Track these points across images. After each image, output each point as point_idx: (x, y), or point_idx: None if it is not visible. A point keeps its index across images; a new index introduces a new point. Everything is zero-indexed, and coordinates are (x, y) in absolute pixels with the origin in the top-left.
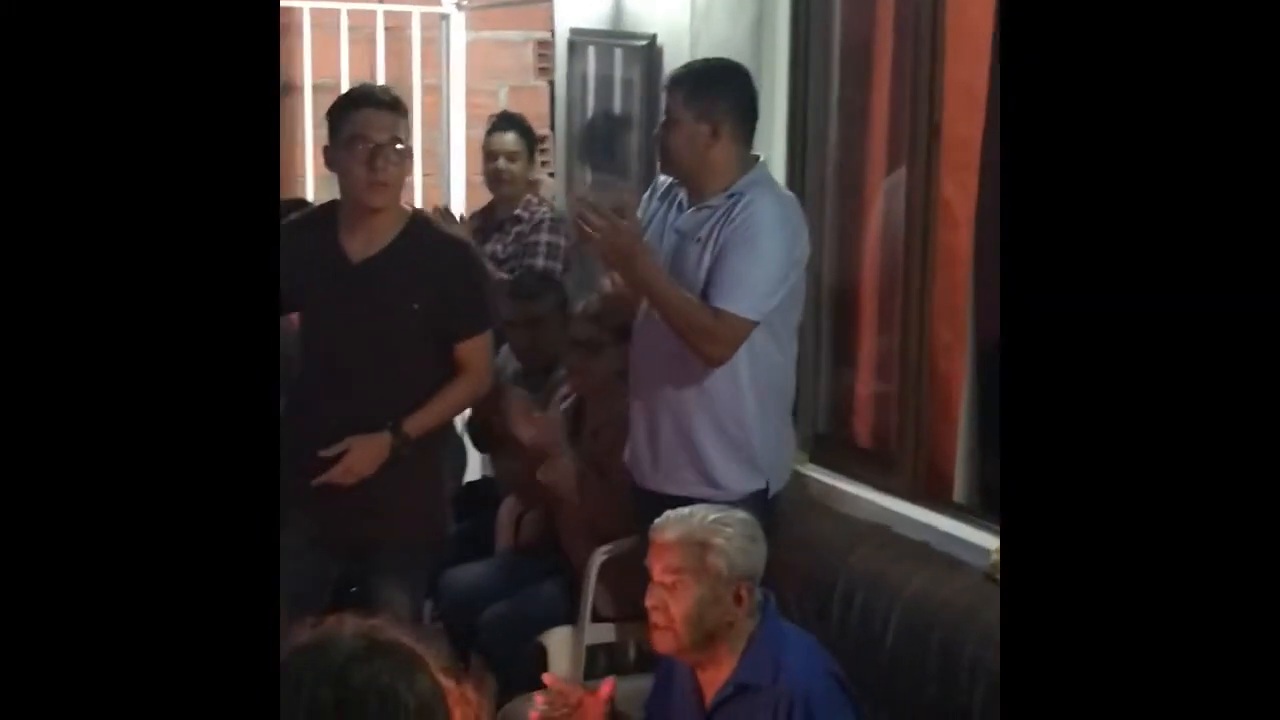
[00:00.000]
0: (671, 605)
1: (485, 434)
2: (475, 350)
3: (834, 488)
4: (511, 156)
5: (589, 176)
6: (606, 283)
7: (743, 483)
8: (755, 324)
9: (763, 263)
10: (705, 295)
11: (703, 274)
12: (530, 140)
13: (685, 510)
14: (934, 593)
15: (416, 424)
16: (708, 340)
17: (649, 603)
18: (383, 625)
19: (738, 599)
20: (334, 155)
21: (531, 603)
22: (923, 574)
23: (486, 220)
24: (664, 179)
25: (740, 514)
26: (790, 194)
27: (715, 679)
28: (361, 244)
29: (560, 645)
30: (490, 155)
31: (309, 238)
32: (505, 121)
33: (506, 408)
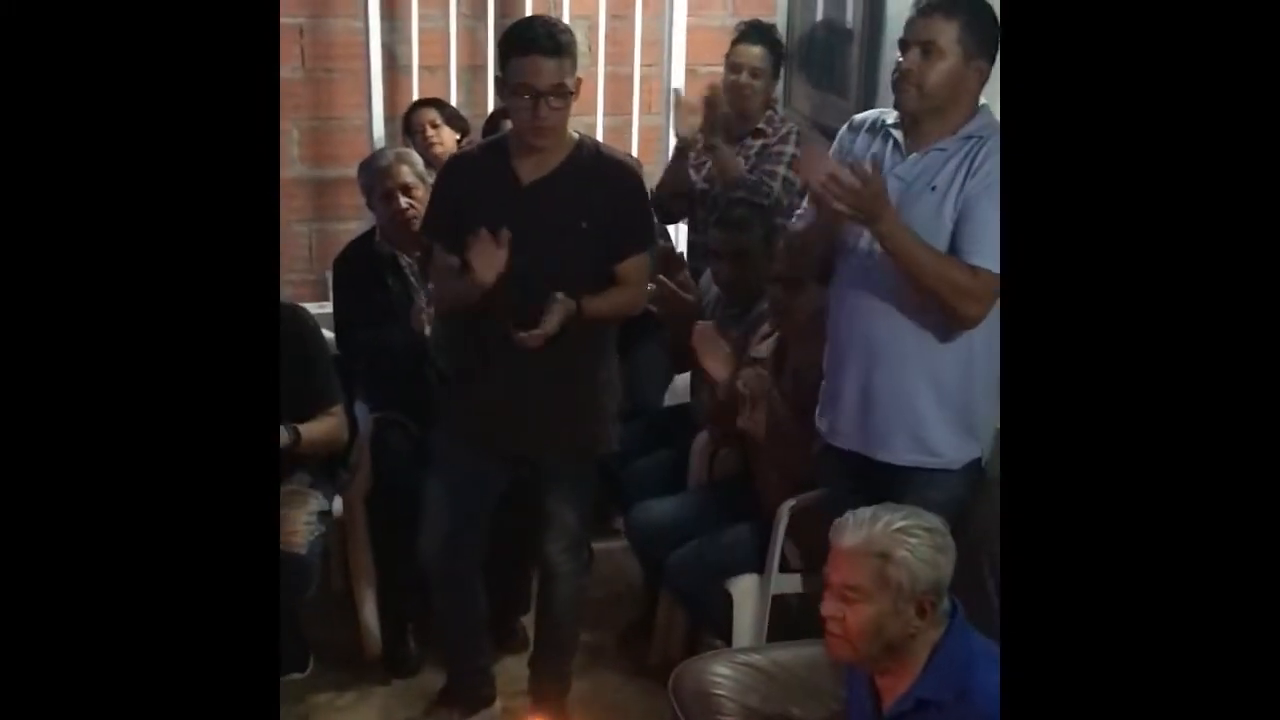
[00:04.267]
0: (849, 616)
1: (681, 360)
2: (634, 268)
3: None
4: (756, 72)
5: (809, 93)
6: (796, 222)
7: (961, 451)
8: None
9: None
10: (954, 250)
11: (946, 225)
12: (778, 54)
13: (867, 513)
14: None
15: (591, 306)
16: (966, 300)
17: (825, 611)
18: None
19: (921, 612)
20: (503, 92)
21: (720, 547)
22: None
23: (725, 134)
24: (863, 116)
25: (929, 519)
26: None
27: (894, 688)
28: (531, 168)
29: (746, 593)
30: (734, 68)
31: (483, 164)
32: (754, 32)
33: (697, 338)
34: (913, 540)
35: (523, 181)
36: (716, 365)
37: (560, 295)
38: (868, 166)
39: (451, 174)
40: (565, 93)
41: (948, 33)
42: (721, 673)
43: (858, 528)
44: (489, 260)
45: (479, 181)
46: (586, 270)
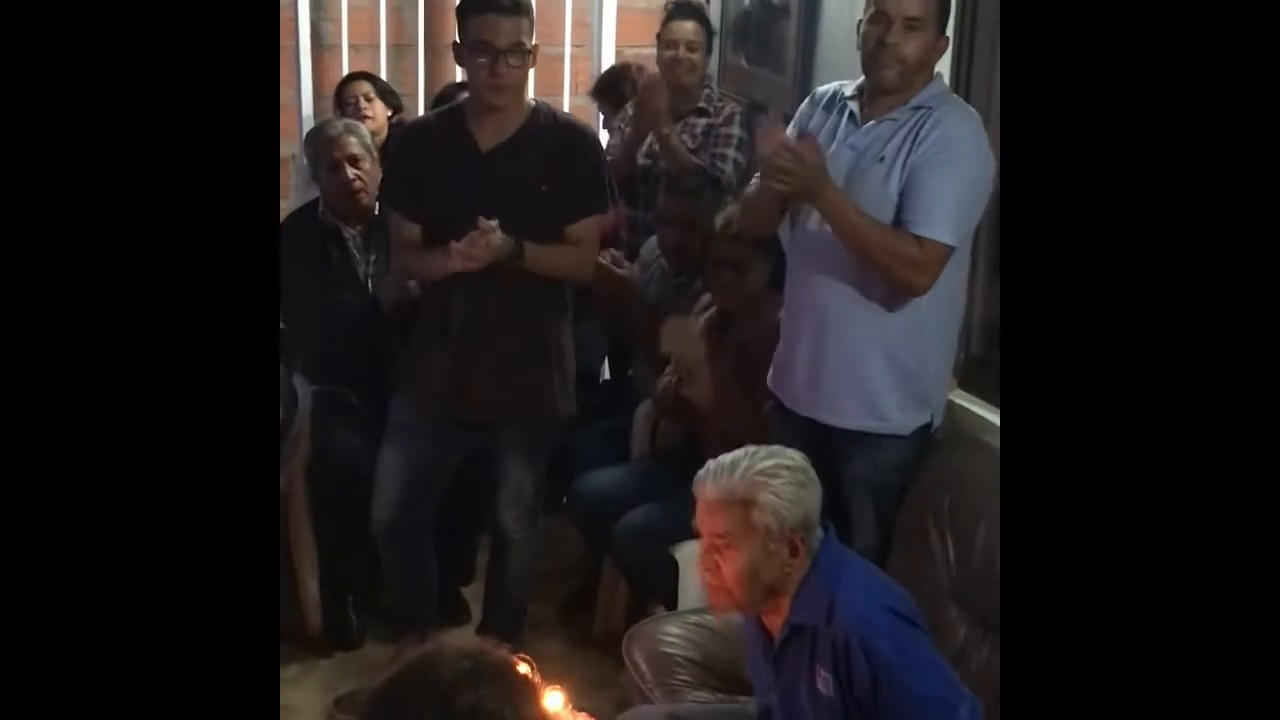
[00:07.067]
0: (723, 566)
1: (622, 335)
2: (585, 229)
3: (983, 419)
4: (691, 46)
5: (744, 68)
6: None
7: (911, 417)
8: (953, 249)
9: (963, 185)
10: (900, 220)
11: (892, 196)
12: (709, 31)
13: (727, 460)
14: None
15: (532, 253)
16: (912, 269)
17: (700, 564)
18: (488, 647)
19: (793, 551)
20: (461, 54)
21: (665, 514)
22: None
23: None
24: (825, 89)
25: (789, 457)
26: (975, 113)
27: (776, 622)
28: (490, 134)
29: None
30: (669, 44)
31: (440, 132)
32: (685, 9)
33: (668, 334)
34: (775, 482)
35: (482, 148)
36: (689, 346)
37: (494, 223)
38: (805, 144)
39: (408, 143)
40: (523, 51)
41: (929, 7)
42: (674, 632)
43: (718, 477)
44: (484, 249)
45: (438, 149)
46: (545, 233)
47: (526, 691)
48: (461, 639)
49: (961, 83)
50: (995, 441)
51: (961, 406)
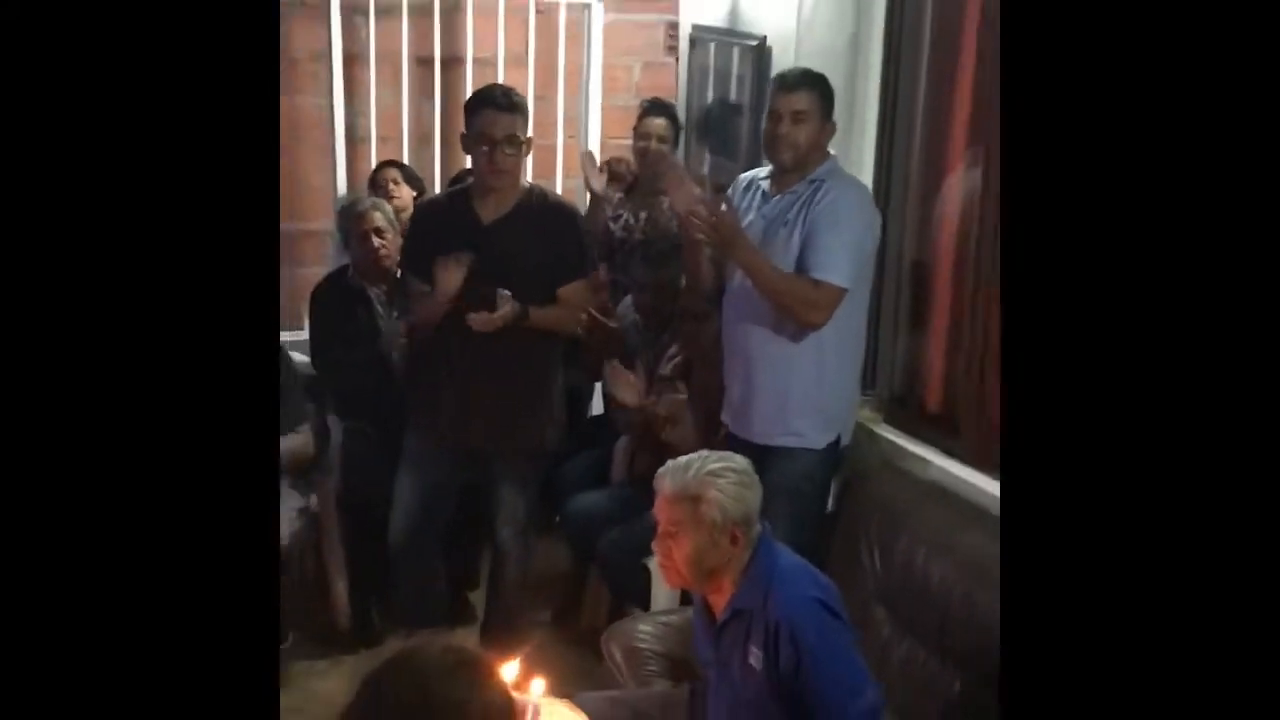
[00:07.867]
0: (674, 550)
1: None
2: (573, 291)
3: (904, 449)
4: (662, 138)
5: (706, 157)
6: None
7: (822, 435)
8: (846, 291)
9: (850, 238)
10: (800, 268)
11: (794, 251)
12: (677, 127)
13: (684, 461)
14: (989, 552)
15: (537, 314)
16: (810, 308)
17: (655, 547)
18: (467, 646)
19: (733, 540)
20: (467, 143)
21: (642, 529)
22: (977, 535)
23: (633, 192)
24: (745, 176)
25: (737, 462)
26: (862, 183)
27: (719, 603)
28: (491, 210)
29: None
30: (643, 136)
31: (449, 208)
32: (658, 108)
33: (609, 377)
34: (721, 481)
35: (484, 221)
36: (628, 395)
37: (508, 293)
38: (723, 207)
39: (423, 219)
40: (518, 142)
41: (812, 103)
42: (646, 630)
43: (675, 475)
44: (450, 275)
45: (447, 222)
46: (535, 293)
47: (493, 682)
48: (445, 640)
49: (884, 163)
50: (914, 469)
51: (885, 439)
